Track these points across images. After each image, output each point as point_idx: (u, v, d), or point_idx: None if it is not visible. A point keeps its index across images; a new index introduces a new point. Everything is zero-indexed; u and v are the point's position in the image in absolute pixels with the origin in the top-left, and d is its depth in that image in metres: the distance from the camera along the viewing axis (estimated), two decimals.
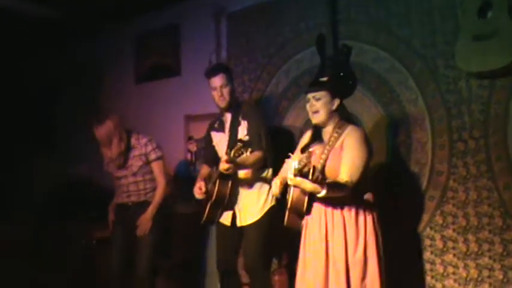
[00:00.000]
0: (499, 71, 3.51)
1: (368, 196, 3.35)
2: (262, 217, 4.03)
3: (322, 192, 2.96)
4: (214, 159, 4.24)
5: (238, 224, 4.07)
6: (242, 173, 4.02)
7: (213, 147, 4.27)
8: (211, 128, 4.31)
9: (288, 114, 4.73)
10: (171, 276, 5.09)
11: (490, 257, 3.63)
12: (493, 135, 3.65)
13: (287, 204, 3.32)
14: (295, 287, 3.42)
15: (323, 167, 3.21)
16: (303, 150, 3.32)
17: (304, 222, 3.39)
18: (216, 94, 4.06)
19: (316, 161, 3.16)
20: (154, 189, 4.48)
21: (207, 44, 5.28)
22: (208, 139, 4.33)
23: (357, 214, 3.23)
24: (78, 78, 6.55)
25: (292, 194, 3.26)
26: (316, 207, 3.28)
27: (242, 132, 3.99)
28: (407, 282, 3.93)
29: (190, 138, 5.19)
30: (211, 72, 4.07)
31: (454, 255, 3.79)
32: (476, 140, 3.72)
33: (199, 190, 4.07)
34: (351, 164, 3.15)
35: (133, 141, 4.44)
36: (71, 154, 6.42)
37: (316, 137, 3.41)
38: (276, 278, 4.49)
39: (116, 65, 6.29)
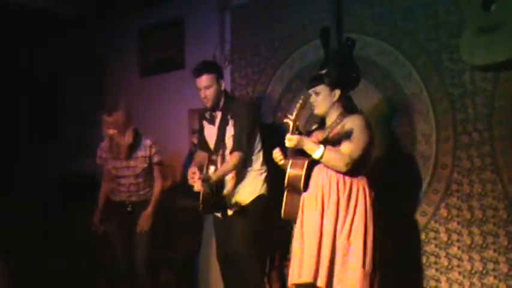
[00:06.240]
0: (504, 63, 3.49)
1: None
2: (250, 204, 4.04)
3: (320, 151, 3.21)
4: (207, 146, 4.28)
5: (229, 213, 4.06)
6: (228, 178, 4.04)
7: (205, 136, 4.31)
8: (203, 117, 4.32)
9: (292, 107, 4.71)
10: (173, 270, 5.11)
11: (494, 250, 3.63)
12: (497, 127, 3.64)
13: (284, 185, 3.44)
14: (290, 267, 3.46)
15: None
16: (307, 134, 3.51)
17: (301, 201, 3.45)
18: (201, 94, 4.09)
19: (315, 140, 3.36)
20: (152, 187, 4.52)
21: (211, 38, 5.27)
22: (202, 128, 4.35)
23: (350, 195, 3.28)
24: (82, 70, 6.55)
25: (289, 173, 3.39)
26: (313, 183, 3.37)
27: (230, 131, 4.04)
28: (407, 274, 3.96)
29: (194, 132, 5.19)
30: (195, 72, 4.09)
31: (459, 248, 3.79)
32: (480, 132, 3.72)
33: (192, 175, 3.95)
34: (352, 142, 3.26)
35: (140, 140, 4.46)
36: (75, 146, 6.44)
37: (322, 126, 3.52)
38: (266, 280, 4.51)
39: (120, 58, 6.30)
